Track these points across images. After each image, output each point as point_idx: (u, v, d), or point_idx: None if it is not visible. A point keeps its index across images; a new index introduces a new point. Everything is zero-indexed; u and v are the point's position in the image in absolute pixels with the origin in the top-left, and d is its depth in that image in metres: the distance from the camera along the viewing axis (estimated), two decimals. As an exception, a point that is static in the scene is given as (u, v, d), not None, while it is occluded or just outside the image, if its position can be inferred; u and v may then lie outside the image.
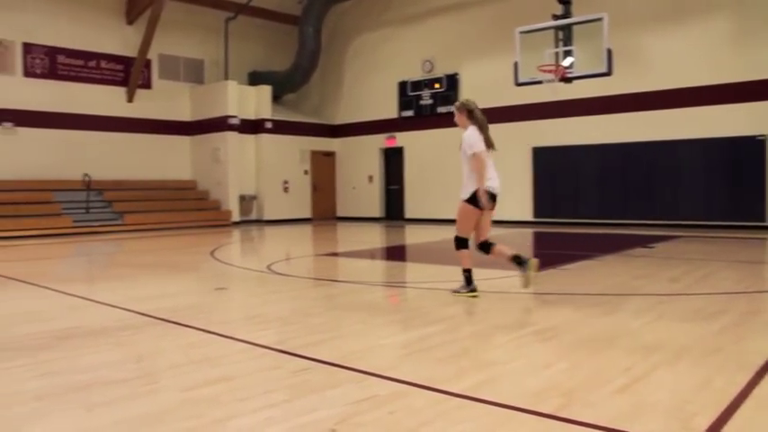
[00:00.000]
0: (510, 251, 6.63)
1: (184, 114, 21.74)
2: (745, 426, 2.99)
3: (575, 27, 13.90)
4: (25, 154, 17.96)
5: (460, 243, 6.67)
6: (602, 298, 6.43)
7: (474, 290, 6.57)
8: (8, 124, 17.66)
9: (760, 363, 3.97)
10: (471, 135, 6.68)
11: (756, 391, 3.45)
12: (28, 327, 5.43)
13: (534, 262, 6.49)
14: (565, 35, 13.97)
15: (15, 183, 17.57)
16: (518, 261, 6.52)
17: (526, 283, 6.52)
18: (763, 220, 15.01)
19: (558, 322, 5.33)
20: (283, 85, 22.65)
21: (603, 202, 17.27)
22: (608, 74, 13.27)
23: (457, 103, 6.95)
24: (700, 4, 15.84)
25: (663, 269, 8.58)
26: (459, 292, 6.60)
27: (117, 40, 19.94)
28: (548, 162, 18.28)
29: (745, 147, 15.18)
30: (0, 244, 14.25)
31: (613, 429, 2.91)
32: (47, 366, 4.14)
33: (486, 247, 6.69)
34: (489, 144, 6.72)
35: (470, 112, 6.80)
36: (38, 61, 18.41)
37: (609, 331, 4.96)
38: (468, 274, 6.61)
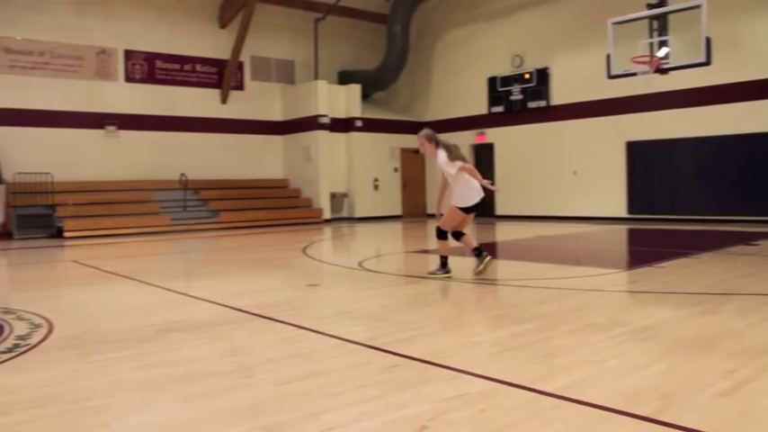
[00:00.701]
0: (474, 243, 7.88)
1: (276, 114, 22.22)
2: None
3: (670, 16, 13.42)
4: (126, 155, 18.79)
5: (442, 235, 7.83)
6: (702, 297, 6.19)
7: (448, 272, 7.78)
8: (111, 127, 18.51)
9: None
10: (445, 157, 7.61)
11: None
12: (131, 320, 5.67)
13: (488, 260, 7.76)
14: (660, 24, 13.51)
15: (118, 183, 18.41)
16: (477, 253, 7.76)
17: (476, 272, 7.73)
18: None
19: (654, 322, 5.17)
20: (372, 83, 22.83)
21: (701, 197, 16.59)
22: (706, 63, 12.74)
23: (425, 134, 7.94)
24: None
25: (768, 267, 8.20)
26: (435, 274, 7.79)
27: (211, 43, 20.56)
28: (642, 156, 17.72)
29: None
30: (104, 242, 14.92)
31: (715, 434, 2.80)
32: (148, 358, 4.32)
33: (458, 235, 7.93)
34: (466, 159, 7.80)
35: (437, 142, 7.78)
36: (137, 67, 19.22)
37: (709, 332, 4.77)
38: (444, 260, 7.85)
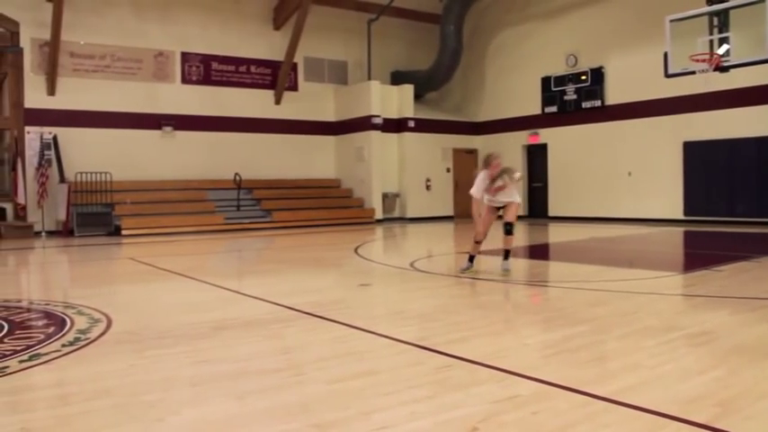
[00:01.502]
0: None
1: (329, 115, 22.38)
2: None
3: (732, 11, 13.08)
4: (183, 155, 19.17)
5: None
6: (761, 302, 6.03)
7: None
8: (168, 128, 18.90)
9: None
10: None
11: None
12: (187, 317, 5.79)
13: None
14: (720, 21, 13.18)
15: (174, 182, 18.78)
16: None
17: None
18: None
19: (711, 326, 5.05)
20: (425, 83, 22.81)
21: (762, 199, 16.12)
22: (769, 61, 12.41)
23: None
24: None
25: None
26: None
27: (265, 45, 20.82)
28: (700, 157, 17.30)
29: None
30: (162, 240, 15.25)
31: (775, 442, 2.73)
32: (203, 354, 4.40)
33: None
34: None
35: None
36: (194, 69, 19.58)
37: (769, 338, 4.65)
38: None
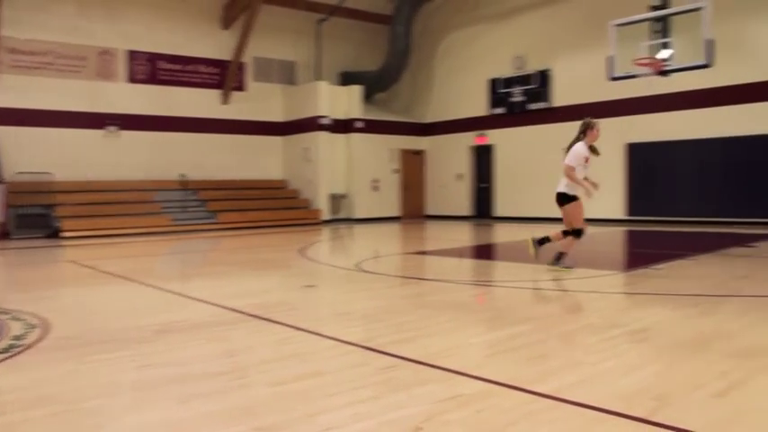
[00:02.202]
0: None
1: (277, 115, 22.25)
2: None
3: (673, 18, 13.43)
4: (128, 156, 18.82)
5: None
6: (698, 299, 6.19)
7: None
8: (112, 128, 18.53)
9: None
10: None
11: None
12: (130, 320, 5.67)
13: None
14: (662, 26, 13.53)
15: (119, 183, 18.44)
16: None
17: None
18: None
19: (650, 323, 5.17)
20: (374, 84, 22.85)
21: (701, 199, 16.58)
22: (708, 65, 12.75)
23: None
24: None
25: (765, 269, 8.20)
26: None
27: (213, 44, 20.59)
28: (643, 158, 17.72)
29: None
30: (105, 242, 14.93)
31: (709, 435, 2.81)
32: (146, 358, 4.32)
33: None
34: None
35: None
36: (140, 67, 19.25)
37: (705, 333, 4.78)
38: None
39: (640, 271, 8.39)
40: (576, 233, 8.27)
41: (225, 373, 3.98)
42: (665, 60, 13.39)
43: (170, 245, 14.60)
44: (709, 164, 16.41)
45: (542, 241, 8.60)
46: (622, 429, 2.94)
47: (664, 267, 8.51)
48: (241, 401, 3.41)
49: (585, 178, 8.27)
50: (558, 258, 8.29)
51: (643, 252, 12.07)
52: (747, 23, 15.73)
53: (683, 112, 16.88)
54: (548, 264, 8.38)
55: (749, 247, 11.01)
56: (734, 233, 13.77)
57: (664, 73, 13.52)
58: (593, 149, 8.34)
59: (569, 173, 8.14)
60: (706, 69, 13.11)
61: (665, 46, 13.46)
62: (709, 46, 12.50)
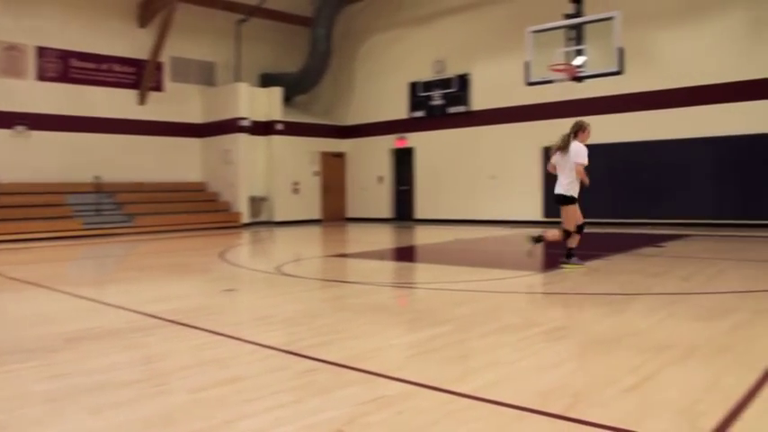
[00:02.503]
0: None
1: (196, 116, 21.84)
2: (753, 426, 2.97)
3: (586, 26, 13.85)
4: (38, 157, 18.10)
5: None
6: (612, 297, 6.40)
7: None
8: (21, 127, 17.79)
9: (770, 362, 3.95)
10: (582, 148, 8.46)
11: (766, 391, 3.42)
12: (39, 329, 5.45)
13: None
14: (576, 34, 13.93)
15: (27, 185, 17.71)
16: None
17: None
18: (776, 219, 14.93)
19: (566, 322, 5.32)
20: (294, 86, 22.70)
21: (614, 201, 17.18)
22: (619, 73, 13.21)
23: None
24: (713, 1, 15.75)
25: (673, 268, 8.54)
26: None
27: (129, 43, 20.04)
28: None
29: (756, 145, 15.10)
30: (12, 247, 14.34)
31: (622, 429, 2.89)
32: (57, 368, 4.16)
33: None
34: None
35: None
36: (51, 65, 18.55)
37: (618, 331, 4.94)
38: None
39: (557, 271, 8.60)
40: (577, 229, 8.72)
41: (141, 381, 3.87)
42: (579, 67, 13.78)
43: (83, 249, 14.14)
44: (621, 167, 16.99)
45: (538, 240, 8.94)
46: (540, 426, 3.00)
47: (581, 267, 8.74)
48: (158, 409, 3.32)
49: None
50: (569, 256, 8.68)
51: (559, 253, 12.35)
52: (655, 34, 16.38)
53: (596, 117, 17.28)
54: (561, 262, 8.76)
55: (658, 246, 11.46)
56: (644, 233, 14.30)
57: (578, 79, 13.92)
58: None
59: (581, 171, 8.45)
60: (617, 76, 13.58)
61: (579, 53, 13.86)
62: (620, 54, 12.95)
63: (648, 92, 16.51)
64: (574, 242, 8.71)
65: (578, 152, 8.41)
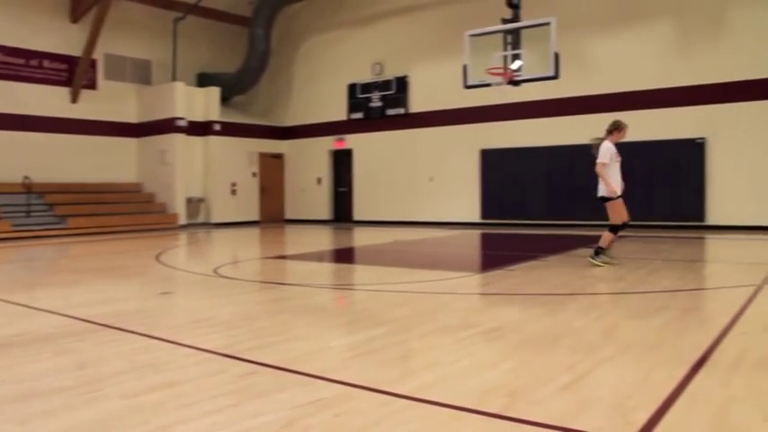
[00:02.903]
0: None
1: (131, 116, 21.37)
2: (681, 418, 3.07)
3: (523, 31, 14.06)
4: (-37, 156, 17.46)
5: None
6: (548, 298, 6.53)
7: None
8: (-56, 125, 17.14)
9: (696, 357, 4.10)
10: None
11: (692, 385, 3.55)
12: (-36, 334, 5.26)
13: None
14: (513, 39, 14.13)
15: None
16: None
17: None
18: (703, 220, 15.46)
19: (503, 322, 5.39)
20: (232, 86, 22.46)
21: (551, 203, 17.54)
22: (555, 77, 13.45)
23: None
24: (645, 9, 16.23)
25: (606, 269, 8.74)
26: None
27: (60, 38, 19.47)
28: (495, 164, 18.48)
29: (686, 149, 15.62)
30: (-64, 249, 13.80)
31: (557, 427, 2.95)
32: (-17, 375, 4.02)
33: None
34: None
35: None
36: (-25, 60, 17.91)
37: (554, 330, 5.04)
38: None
39: (495, 272, 8.72)
40: (615, 229, 8.87)
41: (73, 388, 3.76)
42: (516, 71, 13.99)
43: (12, 253, 13.67)
44: (557, 169, 17.35)
45: (598, 252, 8.94)
46: (477, 425, 3.04)
47: (517, 268, 8.88)
48: (91, 416, 3.23)
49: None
50: (598, 253, 8.86)
51: (497, 254, 12.56)
52: (590, 40, 16.80)
53: (533, 121, 17.77)
54: (589, 258, 8.97)
55: (592, 248, 11.69)
56: (579, 235, 14.59)
57: (515, 83, 14.12)
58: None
59: (600, 169, 8.71)
60: (553, 81, 13.83)
61: (516, 57, 14.06)
62: (556, 59, 13.20)
63: (583, 96, 16.90)
64: (605, 241, 8.91)
65: (601, 151, 8.73)
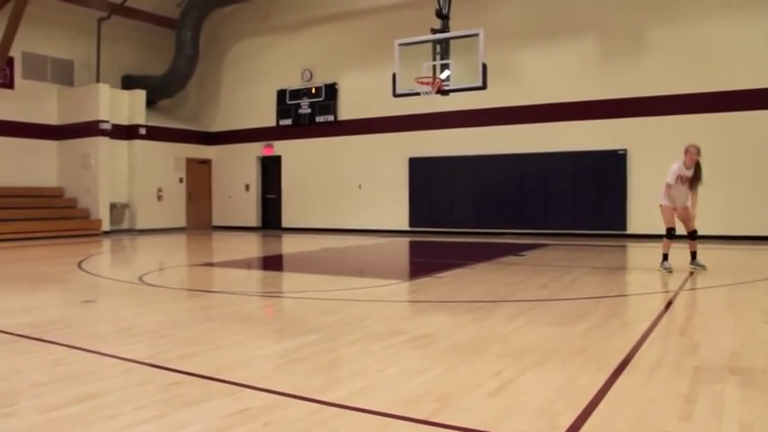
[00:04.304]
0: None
1: (51, 118, 20.68)
2: (604, 420, 3.15)
3: (452, 41, 14.24)
4: None
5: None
6: (475, 305, 6.62)
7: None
8: None
9: (618, 361, 4.23)
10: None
11: (614, 388, 3.67)
12: None
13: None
14: (442, 49, 14.28)
15: None
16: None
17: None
18: (624, 229, 15.96)
19: (432, 329, 5.44)
20: (159, 90, 22.03)
21: (478, 211, 17.81)
22: (483, 88, 13.64)
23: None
24: (570, 25, 16.69)
25: (533, 276, 8.93)
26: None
27: (-25, 36, 18.70)
28: (424, 172, 18.66)
29: (608, 160, 16.11)
30: None
31: (484, 432, 3.00)
32: None
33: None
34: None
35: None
36: None
37: (481, 337, 5.11)
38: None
39: (423, 280, 8.79)
40: (668, 234, 9.23)
41: (-13, 401, 3.62)
42: (444, 80, 14.15)
43: None
44: (484, 179, 17.64)
45: (694, 257, 9.31)
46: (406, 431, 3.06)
47: (445, 276, 8.98)
48: None
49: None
50: (665, 258, 9.25)
51: (426, 262, 12.66)
52: (516, 53, 17.16)
53: (461, 130, 18.02)
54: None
55: (519, 255, 11.95)
56: (506, 243, 14.87)
57: (443, 92, 14.28)
58: (694, 176, 9.10)
59: (666, 188, 9.13)
60: (481, 91, 14.04)
61: (445, 67, 14.23)
62: (484, 70, 13.41)
63: (510, 107, 17.25)
64: (664, 246, 9.34)
65: (669, 170, 9.12)
